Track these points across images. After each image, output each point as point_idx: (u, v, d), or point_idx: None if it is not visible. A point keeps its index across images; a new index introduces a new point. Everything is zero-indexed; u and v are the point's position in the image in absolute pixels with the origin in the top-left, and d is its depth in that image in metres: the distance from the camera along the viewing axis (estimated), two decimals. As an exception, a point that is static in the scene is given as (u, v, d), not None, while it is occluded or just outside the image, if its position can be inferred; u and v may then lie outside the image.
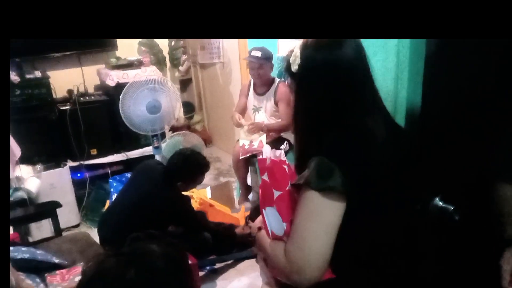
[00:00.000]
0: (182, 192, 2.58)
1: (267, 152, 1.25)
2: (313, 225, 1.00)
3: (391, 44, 1.48)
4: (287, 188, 1.16)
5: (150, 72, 3.81)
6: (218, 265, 2.85)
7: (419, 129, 1.44)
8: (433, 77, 1.39)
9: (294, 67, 1.11)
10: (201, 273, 2.71)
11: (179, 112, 4.91)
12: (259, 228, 1.28)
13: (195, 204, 3.10)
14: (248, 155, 3.33)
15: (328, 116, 1.09)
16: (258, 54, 3.19)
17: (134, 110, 3.21)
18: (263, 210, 1.23)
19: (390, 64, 1.47)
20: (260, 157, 1.26)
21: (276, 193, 1.17)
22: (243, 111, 3.58)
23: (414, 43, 1.42)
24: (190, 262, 2.25)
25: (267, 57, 3.22)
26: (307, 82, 1.11)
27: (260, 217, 1.29)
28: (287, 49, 1.17)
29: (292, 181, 1.13)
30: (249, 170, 3.55)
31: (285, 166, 1.21)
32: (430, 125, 1.42)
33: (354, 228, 1.03)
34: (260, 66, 3.22)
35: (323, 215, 1.00)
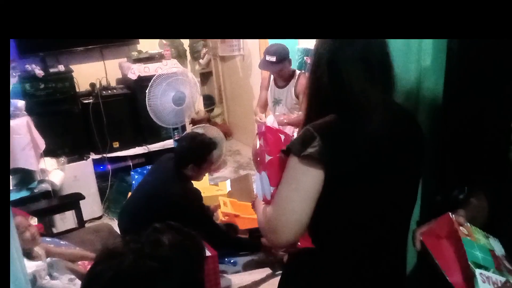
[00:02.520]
0: (196, 178, 2.58)
1: (270, 122, 1.26)
2: (288, 188, 1.04)
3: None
4: (278, 155, 1.19)
5: (171, 65, 3.83)
6: (239, 258, 2.85)
7: (442, 120, 1.41)
8: (456, 69, 1.36)
9: None
10: (221, 265, 2.72)
11: (199, 105, 4.94)
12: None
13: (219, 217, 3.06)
14: None
15: (335, 92, 1.08)
16: (273, 59, 3.08)
17: (161, 103, 3.24)
18: (259, 174, 1.25)
19: (412, 52, 1.42)
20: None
21: (267, 158, 1.20)
22: (265, 105, 3.54)
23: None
24: (209, 254, 2.28)
25: (282, 59, 3.12)
26: (322, 58, 1.10)
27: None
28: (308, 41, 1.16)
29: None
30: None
31: (282, 135, 1.24)
32: (454, 118, 1.39)
33: (333, 201, 1.05)
34: (278, 68, 3.16)
35: (299, 180, 1.03)
